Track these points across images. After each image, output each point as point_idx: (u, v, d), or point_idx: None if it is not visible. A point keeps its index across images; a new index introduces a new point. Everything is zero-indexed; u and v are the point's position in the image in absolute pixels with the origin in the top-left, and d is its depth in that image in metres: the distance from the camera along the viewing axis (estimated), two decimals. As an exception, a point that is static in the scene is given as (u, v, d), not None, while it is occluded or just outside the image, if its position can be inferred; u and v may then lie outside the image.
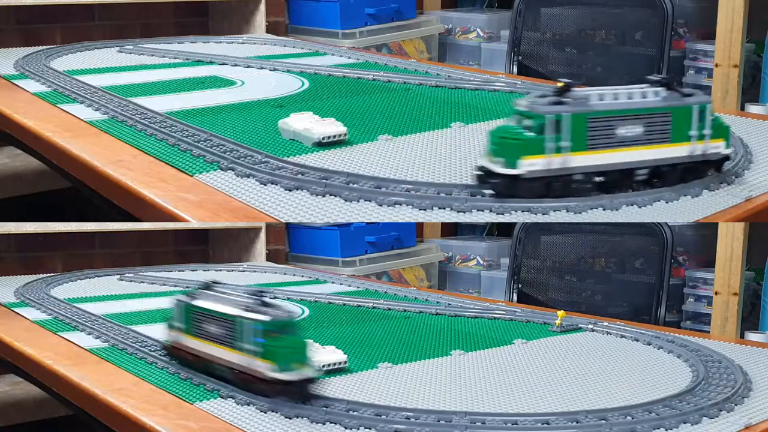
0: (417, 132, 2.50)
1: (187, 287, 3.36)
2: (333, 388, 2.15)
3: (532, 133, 1.99)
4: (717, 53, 3.61)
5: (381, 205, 2.10)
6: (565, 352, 2.54)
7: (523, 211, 2.08)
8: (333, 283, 3.53)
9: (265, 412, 1.99)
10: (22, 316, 2.85)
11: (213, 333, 2.05)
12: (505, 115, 2.65)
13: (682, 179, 2.13)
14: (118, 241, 4.06)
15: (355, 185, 2.13)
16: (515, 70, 4.06)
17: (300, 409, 1.97)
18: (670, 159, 2.11)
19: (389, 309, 3.02)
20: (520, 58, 4.07)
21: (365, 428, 1.90)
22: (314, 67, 3.15)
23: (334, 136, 2.38)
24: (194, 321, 2.10)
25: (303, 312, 2.99)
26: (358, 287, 3.44)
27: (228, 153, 2.29)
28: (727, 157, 2.19)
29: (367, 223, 4.04)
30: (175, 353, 2.21)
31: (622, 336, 2.66)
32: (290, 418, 1.96)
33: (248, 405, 2.02)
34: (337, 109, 2.72)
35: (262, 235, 4.01)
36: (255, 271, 3.74)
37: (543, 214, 2.07)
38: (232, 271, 3.75)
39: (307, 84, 2.99)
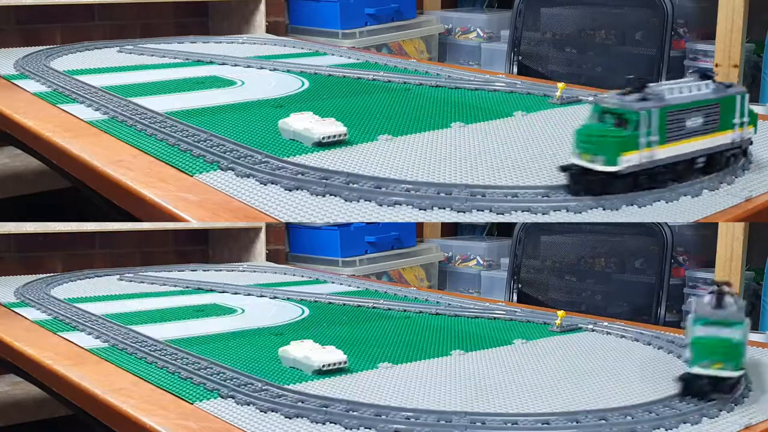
0: (417, 132, 2.50)
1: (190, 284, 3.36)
2: (333, 388, 2.15)
3: (626, 130, 2.04)
4: (717, 53, 3.61)
5: (381, 205, 2.10)
6: (565, 352, 2.54)
7: (523, 211, 2.08)
8: (333, 283, 3.53)
9: (265, 412, 1.99)
10: (22, 316, 2.85)
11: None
12: (506, 115, 2.67)
13: (726, 164, 2.25)
14: (118, 241, 4.06)
15: (355, 185, 2.13)
16: (515, 70, 4.06)
17: (300, 409, 1.97)
18: (719, 146, 2.22)
19: (389, 309, 3.02)
20: (520, 58, 4.07)
21: (365, 428, 1.90)
22: (314, 67, 3.15)
23: (334, 136, 2.38)
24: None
25: (303, 312, 3.00)
26: (358, 287, 3.44)
27: (228, 153, 2.29)
28: (751, 142, 2.32)
29: (367, 223, 4.04)
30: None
31: (622, 336, 2.66)
32: (290, 418, 1.96)
33: (248, 405, 2.03)
34: (337, 109, 2.72)
35: (262, 235, 4.01)
36: (255, 271, 3.74)
37: (543, 214, 2.08)
38: (232, 271, 3.75)
39: (307, 84, 2.99)
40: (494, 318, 2.89)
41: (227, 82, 3.01)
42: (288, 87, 2.96)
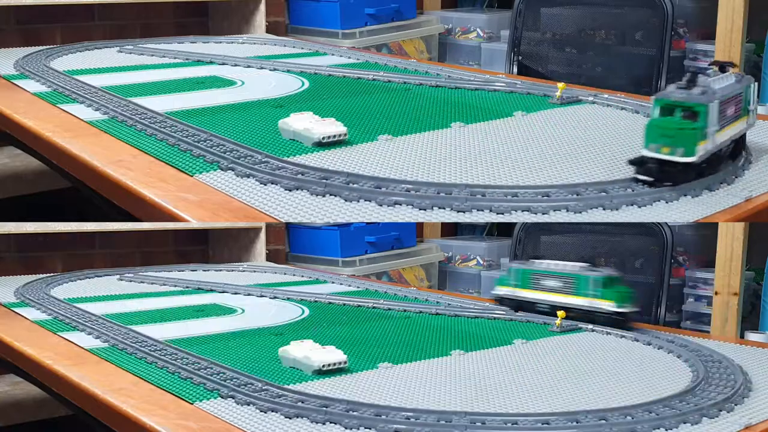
0: (417, 132, 2.50)
1: (187, 286, 3.36)
2: (333, 388, 2.15)
3: (697, 122, 2.10)
4: (717, 53, 3.61)
5: (381, 205, 2.10)
6: (565, 352, 2.54)
7: (523, 211, 2.08)
8: (333, 283, 3.53)
9: (265, 412, 1.99)
10: (22, 316, 2.85)
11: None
12: (506, 115, 2.67)
13: (742, 148, 2.34)
14: (118, 241, 4.06)
15: (355, 185, 2.13)
16: (515, 70, 4.06)
17: (300, 409, 1.97)
18: (741, 132, 2.31)
19: (389, 309, 3.02)
20: (520, 58, 4.07)
21: (365, 428, 1.90)
22: (314, 67, 3.15)
23: (334, 136, 2.38)
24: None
25: (303, 312, 3.00)
26: (358, 287, 3.44)
27: (228, 153, 2.29)
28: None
29: (367, 223, 4.04)
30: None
31: (622, 336, 2.66)
32: (290, 418, 1.96)
33: (248, 405, 2.03)
34: (337, 109, 2.72)
35: (262, 235, 4.01)
36: (255, 271, 3.74)
37: (543, 213, 2.08)
38: (232, 271, 3.75)
39: (307, 84, 2.99)
40: (494, 318, 2.89)
41: (227, 82, 3.01)
42: (288, 87, 2.96)
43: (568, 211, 2.08)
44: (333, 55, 3.43)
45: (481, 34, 4.39)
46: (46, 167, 2.75)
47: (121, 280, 3.52)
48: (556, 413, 1.93)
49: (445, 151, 2.37)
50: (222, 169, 2.24)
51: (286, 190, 2.14)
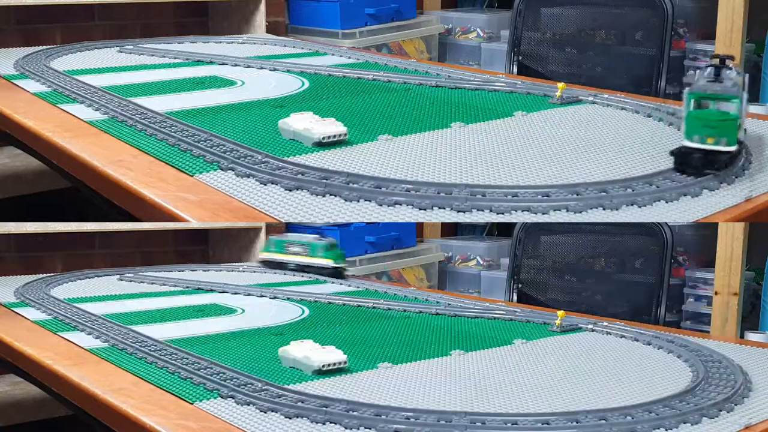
0: (417, 132, 2.50)
1: (187, 287, 3.36)
2: (333, 388, 2.15)
3: (732, 113, 2.15)
4: (717, 53, 3.61)
5: (381, 205, 2.10)
6: (565, 352, 2.54)
7: (523, 211, 2.08)
8: (333, 283, 3.53)
9: (265, 412, 1.99)
10: (22, 316, 2.85)
11: None
12: (506, 115, 2.67)
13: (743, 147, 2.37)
14: (118, 241, 4.06)
15: (355, 185, 2.13)
16: (515, 70, 4.06)
17: (300, 409, 1.97)
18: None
19: (389, 309, 3.02)
20: (520, 58, 4.07)
21: (365, 428, 1.90)
22: (314, 67, 3.15)
23: (334, 136, 2.38)
24: None
25: (303, 312, 3.00)
26: (358, 287, 3.44)
27: (228, 153, 2.29)
28: None
29: (367, 223, 4.04)
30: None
31: (622, 336, 2.66)
32: (290, 418, 1.96)
33: (248, 405, 2.03)
34: (337, 109, 2.72)
35: (262, 235, 4.01)
36: (255, 271, 3.74)
37: (543, 213, 2.08)
38: (232, 271, 3.75)
39: (307, 84, 2.99)
40: (494, 318, 2.89)
41: (227, 82, 3.01)
42: (288, 87, 2.96)
43: (568, 211, 2.08)
44: (333, 55, 3.43)
45: (481, 34, 4.39)
46: (46, 167, 2.75)
47: (121, 280, 3.52)
48: (556, 413, 1.93)
49: (445, 151, 2.37)
50: (222, 169, 2.24)
51: (286, 190, 2.14)
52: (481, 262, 4.37)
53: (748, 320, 3.68)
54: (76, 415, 2.35)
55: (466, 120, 2.60)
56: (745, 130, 2.32)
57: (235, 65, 3.21)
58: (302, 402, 1.99)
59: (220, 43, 3.62)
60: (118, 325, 2.65)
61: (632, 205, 2.10)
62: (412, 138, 2.46)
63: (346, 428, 1.91)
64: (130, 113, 2.59)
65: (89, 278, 3.53)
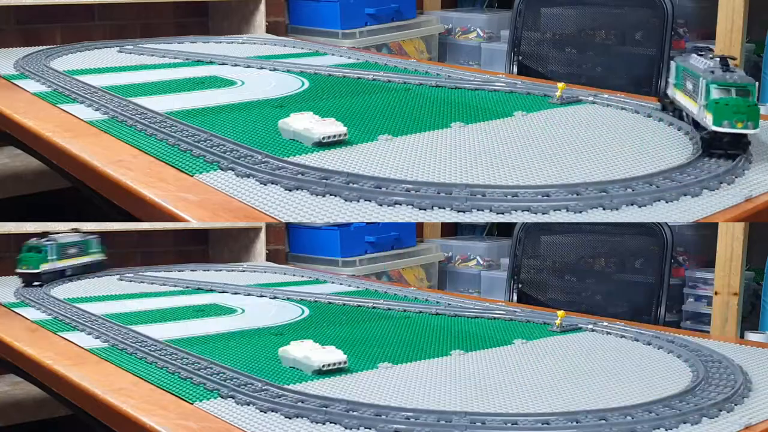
0: (417, 132, 2.50)
1: (187, 287, 3.36)
2: (333, 388, 2.15)
3: (750, 99, 2.31)
4: (717, 53, 3.61)
5: (381, 205, 2.10)
6: (565, 352, 2.54)
7: (523, 211, 2.08)
8: (333, 283, 3.53)
9: (265, 412, 1.99)
10: (22, 316, 2.85)
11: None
12: (506, 115, 2.67)
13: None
14: (118, 241, 4.06)
15: (355, 185, 2.13)
16: (515, 70, 4.06)
17: (300, 409, 1.97)
18: None
19: (389, 309, 3.02)
20: (520, 58, 4.07)
21: (365, 428, 1.90)
22: (314, 67, 3.15)
23: (334, 136, 2.38)
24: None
25: (303, 312, 3.00)
26: (358, 287, 3.44)
27: (228, 153, 2.29)
28: None
29: (367, 223, 4.04)
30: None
31: (622, 336, 2.66)
32: (290, 418, 1.96)
33: (248, 405, 2.03)
34: (337, 109, 2.72)
35: (262, 235, 4.01)
36: (255, 271, 3.74)
37: (543, 213, 2.08)
38: (232, 271, 3.75)
39: (307, 84, 2.99)
40: (494, 318, 2.89)
41: (227, 82, 3.01)
42: (288, 87, 2.96)
43: (568, 211, 2.08)
44: (333, 55, 3.43)
45: (481, 34, 4.39)
46: (46, 167, 2.75)
47: (121, 280, 3.52)
48: (556, 413, 1.93)
49: (445, 151, 2.37)
50: (222, 169, 2.24)
51: (286, 190, 2.14)
52: (481, 262, 4.37)
53: (748, 320, 3.68)
54: (76, 415, 2.35)
55: (466, 120, 2.60)
56: None
57: (235, 65, 3.21)
58: (302, 402, 1.99)
59: (220, 43, 3.62)
60: (118, 325, 2.65)
61: (632, 205, 2.10)
62: (412, 138, 2.46)
63: (346, 428, 1.91)
64: (130, 113, 2.59)
65: (89, 278, 3.53)
